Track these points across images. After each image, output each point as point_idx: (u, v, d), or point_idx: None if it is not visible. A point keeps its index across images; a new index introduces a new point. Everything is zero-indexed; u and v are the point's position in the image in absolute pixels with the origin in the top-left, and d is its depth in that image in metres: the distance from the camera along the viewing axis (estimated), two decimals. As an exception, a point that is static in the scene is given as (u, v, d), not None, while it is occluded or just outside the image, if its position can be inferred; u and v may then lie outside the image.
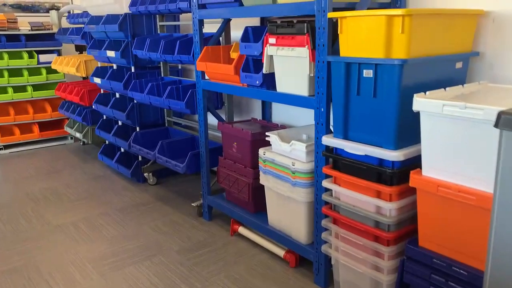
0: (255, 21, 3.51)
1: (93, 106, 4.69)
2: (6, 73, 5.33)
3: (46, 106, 5.71)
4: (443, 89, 1.90)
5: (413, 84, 1.94)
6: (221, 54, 3.18)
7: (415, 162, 2.01)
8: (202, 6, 3.02)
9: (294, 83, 2.43)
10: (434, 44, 2.00)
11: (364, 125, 2.07)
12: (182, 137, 3.88)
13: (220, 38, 3.38)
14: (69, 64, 4.90)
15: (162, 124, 4.37)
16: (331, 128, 2.30)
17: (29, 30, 5.45)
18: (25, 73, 5.44)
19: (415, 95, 1.77)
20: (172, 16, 4.17)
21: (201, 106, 3.20)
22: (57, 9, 6.01)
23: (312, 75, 2.31)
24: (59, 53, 5.69)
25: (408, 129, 1.98)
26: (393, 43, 1.88)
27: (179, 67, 4.40)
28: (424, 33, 1.92)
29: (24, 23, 5.50)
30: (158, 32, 4.09)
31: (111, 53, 4.07)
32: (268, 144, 2.79)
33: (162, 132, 4.24)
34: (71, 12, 6.17)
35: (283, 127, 3.07)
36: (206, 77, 3.15)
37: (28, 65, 5.45)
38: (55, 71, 5.58)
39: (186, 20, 4.33)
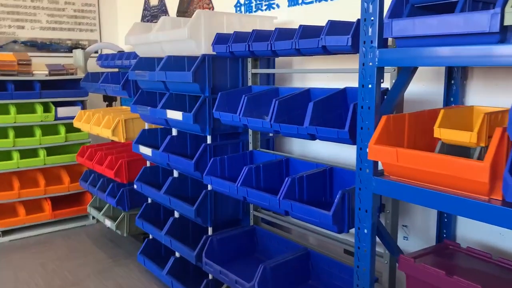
0: (430, 69, 2.10)
1: (135, 186, 3.23)
2: (11, 133, 3.91)
3: (63, 175, 4.25)
4: None
5: None
6: (406, 128, 1.73)
7: None
8: (384, 44, 1.62)
9: None
10: None
11: None
12: (292, 254, 2.38)
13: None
14: (101, 124, 3.48)
15: (244, 221, 2.88)
16: None
17: (46, 75, 4.07)
18: (38, 132, 4.02)
19: None
20: (265, 61, 2.77)
21: (368, 224, 1.72)
22: (83, 48, 4.68)
23: None
24: (83, 105, 4.29)
25: None
26: None
27: (270, 134, 2.96)
28: None
29: (40, 65, 4.15)
30: (249, 83, 2.68)
31: (174, 114, 2.65)
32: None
33: (247, 237, 2.74)
34: (100, 52, 4.84)
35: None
36: (379, 168, 1.70)
37: (42, 121, 4.04)
38: (77, 129, 4.16)
39: (282, 65, 2.94)
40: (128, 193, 3.43)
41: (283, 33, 2.10)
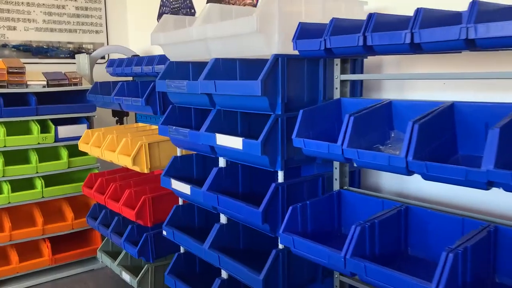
0: None
1: (165, 233, 2.43)
2: (0, 159, 3.10)
3: (65, 209, 3.44)
4: None
5: None
6: None
7: None
8: None
9: None
10: None
11: None
12: None
13: None
14: (116, 149, 2.67)
15: (325, 286, 2.08)
16: None
17: (44, 86, 3.27)
18: (34, 157, 3.21)
19: None
20: (351, 63, 1.98)
21: None
22: (87, 52, 3.88)
23: None
24: (90, 123, 3.49)
25: None
26: None
27: (355, 164, 2.16)
28: None
29: (36, 74, 3.35)
30: (336, 95, 1.88)
31: (230, 141, 1.85)
32: None
33: (336, 313, 1.94)
34: (107, 58, 4.06)
35: None
36: None
37: (39, 143, 3.23)
38: (82, 152, 3.35)
39: (367, 69, 2.16)
40: (153, 239, 2.62)
41: (429, 18, 1.30)
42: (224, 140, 1.92)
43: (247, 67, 2.11)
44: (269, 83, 1.73)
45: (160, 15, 3.78)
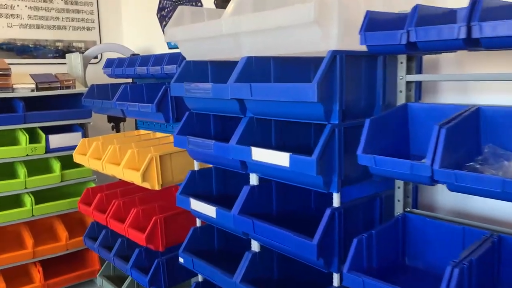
0: None
1: (181, 260, 2.09)
2: (-17, 174, 2.71)
3: (58, 227, 3.06)
4: None
5: None
6: None
7: None
8: None
9: None
10: None
11: None
12: None
13: None
14: (120, 162, 2.31)
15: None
16: None
17: (32, 90, 2.88)
18: (22, 171, 2.82)
19: None
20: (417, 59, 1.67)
21: None
22: (80, 51, 3.50)
23: None
24: (84, 131, 3.11)
25: None
26: None
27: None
28: None
29: (22, 76, 2.95)
30: (400, 99, 1.56)
31: (272, 157, 1.52)
32: None
33: None
34: (100, 57, 3.70)
35: None
36: None
37: (27, 155, 2.84)
38: (75, 164, 2.97)
39: (429, 64, 1.85)
40: (166, 265, 2.27)
41: None
42: (262, 155, 1.58)
43: (282, 67, 1.79)
44: (325, 87, 1.40)
45: (160, 10, 3.42)
